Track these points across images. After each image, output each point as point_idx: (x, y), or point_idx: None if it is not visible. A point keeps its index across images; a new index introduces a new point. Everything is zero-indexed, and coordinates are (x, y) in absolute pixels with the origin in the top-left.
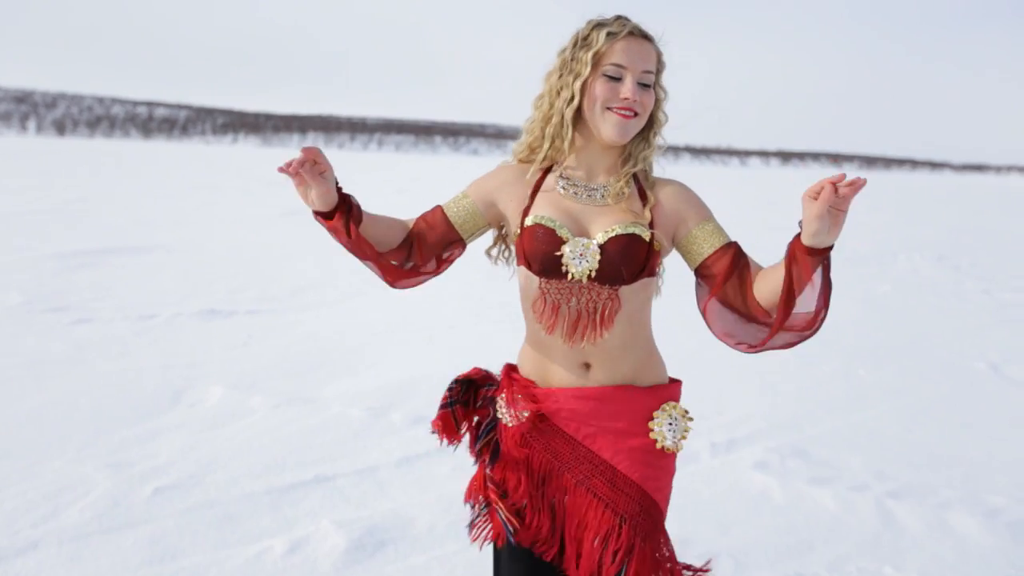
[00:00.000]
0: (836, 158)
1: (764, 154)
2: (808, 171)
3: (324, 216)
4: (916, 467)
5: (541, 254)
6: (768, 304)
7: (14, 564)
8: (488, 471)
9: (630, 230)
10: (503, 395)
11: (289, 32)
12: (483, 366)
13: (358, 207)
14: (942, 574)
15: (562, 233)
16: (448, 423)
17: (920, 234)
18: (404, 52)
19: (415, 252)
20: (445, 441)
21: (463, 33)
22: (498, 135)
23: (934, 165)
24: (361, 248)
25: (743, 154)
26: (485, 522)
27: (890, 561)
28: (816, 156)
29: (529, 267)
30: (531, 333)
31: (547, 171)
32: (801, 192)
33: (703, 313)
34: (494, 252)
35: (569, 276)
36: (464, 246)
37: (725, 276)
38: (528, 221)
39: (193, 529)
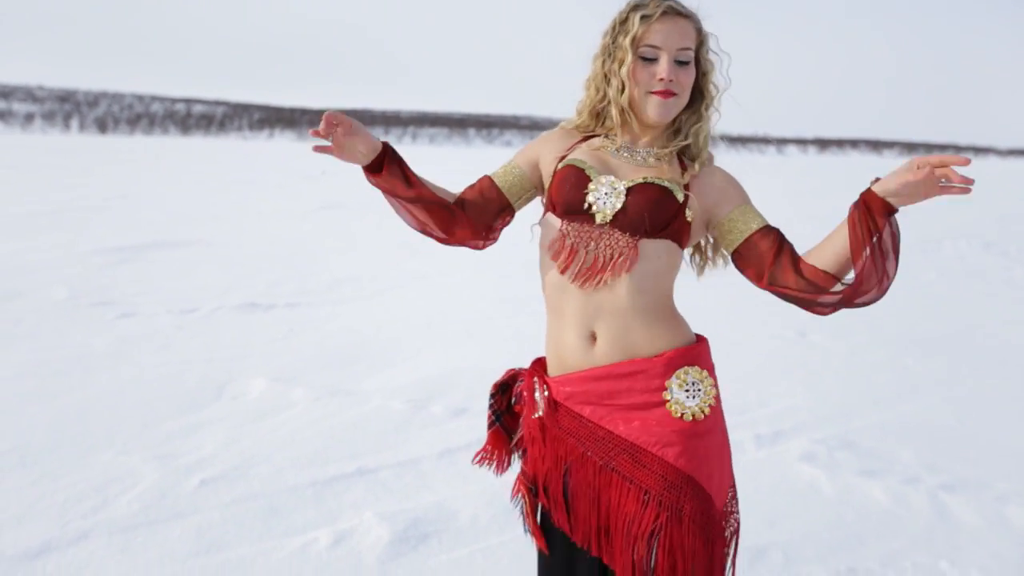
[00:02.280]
0: (876, 145)
1: (802, 142)
2: (847, 159)
3: (374, 170)
4: (970, 460)
5: (567, 193)
6: (831, 266)
7: (66, 554)
8: (522, 465)
9: (662, 182)
10: (526, 391)
11: (323, 27)
12: (521, 359)
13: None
14: (1003, 571)
15: (590, 173)
16: (499, 439)
17: (966, 220)
18: (438, 44)
19: (464, 218)
20: (493, 465)
21: (496, 24)
22: (532, 127)
23: (978, 150)
24: (421, 196)
25: (780, 142)
26: (529, 517)
27: (947, 556)
28: (855, 143)
29: (554, 210)
30: (547, 300)
31: (588, 136)
32: (838, 181)
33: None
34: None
35: (593, 219)
36: (512, 213)
37: (773, 256)
38: (560, 165)
39: (239, 521)
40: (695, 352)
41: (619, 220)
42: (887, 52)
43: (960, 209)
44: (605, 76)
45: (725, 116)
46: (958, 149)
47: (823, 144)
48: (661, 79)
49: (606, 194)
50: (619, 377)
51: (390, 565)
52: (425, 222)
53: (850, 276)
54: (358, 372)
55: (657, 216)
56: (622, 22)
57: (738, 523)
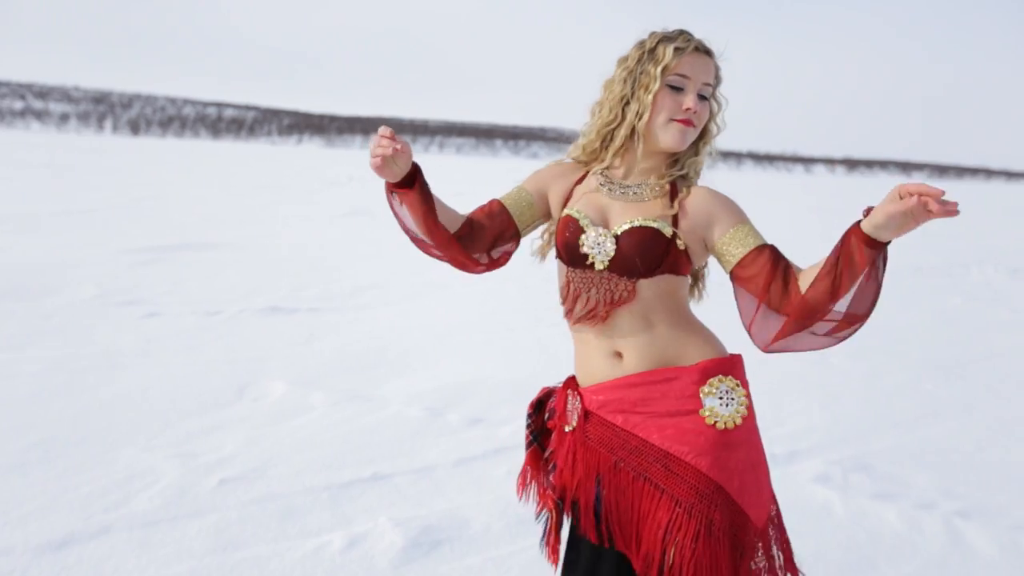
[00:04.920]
0: (906, 167)
1: (830, 162)
2: (875, 179)
3: (400, 186)
4: (987, 487)
5: (567, 244)
6: (817, 300)
7: (88, 546)
8: (550, 478)
9: (649, 224)
10: (559, 405)
11: (352, 35)
12: (540, 370)
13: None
14: None
15: (583, 224)
16: (536, 458)
17: (994, 246)
18: (466, 55)
19: (475, 241)
20: (532, 495)
21: (523, 36)
22: (558, 138)
23: (1010, 175)
24: (431, 226)
25: (808, 161)
26: (551, 532)
27: None
28: (884, 164)
29: (560, 258)
30: (571, 330)
31: (590, 170)
32: (863, 202)
33: (749, 328)
34: (536, 245)
35: (593, 266)
36: (518, 240)
37: (768, 278)
38: (562, 214)
39: (255, 521)
40: (729, 363)
41: (615, 265)
42: (920, 73)
43: (989, 234)
44: (622, 99)
45: (754, 135)
46: (990, 173)
47: (852, 164)
48: (687, 108)
49: (598, 244)
50: (653, 384)
51: (402, 570)
52: (429, 235)
53: (842, 304)
54: (377, 378)
55: (649, 257)
56: (650, 51)
57: (787, 549)
